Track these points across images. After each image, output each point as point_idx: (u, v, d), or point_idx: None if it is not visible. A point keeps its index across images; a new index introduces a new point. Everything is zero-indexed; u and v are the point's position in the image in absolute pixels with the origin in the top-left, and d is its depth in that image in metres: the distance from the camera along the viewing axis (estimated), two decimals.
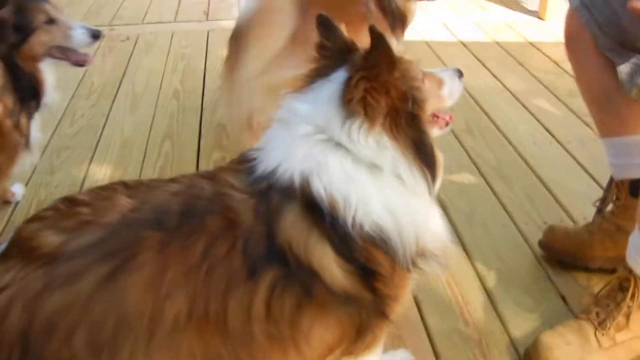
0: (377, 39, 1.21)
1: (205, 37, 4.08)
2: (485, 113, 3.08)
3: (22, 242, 1.12)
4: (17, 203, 2.48)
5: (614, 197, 2.04)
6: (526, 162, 2.67)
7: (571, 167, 2.64)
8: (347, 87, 1.25)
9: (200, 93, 3.32)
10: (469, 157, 2.70)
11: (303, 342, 1.24)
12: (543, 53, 3.82)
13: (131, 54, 3.89)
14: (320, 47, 1.38)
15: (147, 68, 3.66)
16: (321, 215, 1.21)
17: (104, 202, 1.16)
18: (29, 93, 2.14)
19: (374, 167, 1.27)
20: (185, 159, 2.72)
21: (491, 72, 3.54)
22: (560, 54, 1.99)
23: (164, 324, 1.08)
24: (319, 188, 1.22)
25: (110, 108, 3.21)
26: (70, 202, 1.19)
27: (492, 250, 2.17)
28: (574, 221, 2.30)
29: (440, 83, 1.47)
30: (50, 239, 1.09)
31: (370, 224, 1.24)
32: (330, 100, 1.28)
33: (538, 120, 3.02)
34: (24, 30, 2.04)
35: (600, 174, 2.50)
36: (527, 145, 2.79)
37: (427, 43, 3.97)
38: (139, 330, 1.07)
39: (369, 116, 1.24)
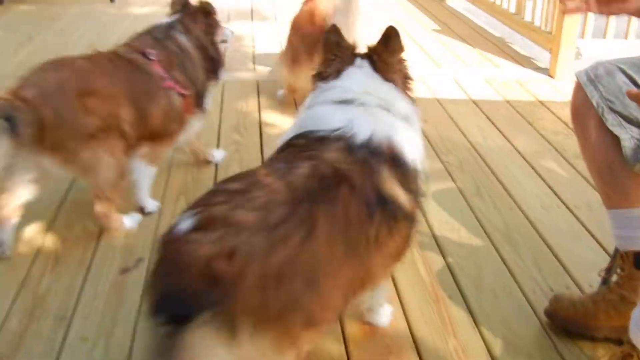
0: (394, 32, 1.89)
1: (221, 90, 4.14)
2: (495, 175, 3.13)
3: (220, 219, 1.39)
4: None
5: (619, 268, 2.08)
6: (534, 227, 2.70)
7: (578, 232, 2.68)
8: (383, 65, 1.90)
9: (215, 148, 3.37)
10: (478, 220, 2.74)
11: (387, 253, 1.75)
12: (553, 112, 3.88)
13: None
14: (337, 47, 1.95)
15: None
16: (398, 165, 1.73)
17: (260, 189, 1.50)
18: (213, 70, 2.92)
19: (407, 119, 1.85)
20: None
21: (501, 132, 3.60)
22: (570, 115, 2.05)
23: (335, 262, 1.53)
24: (397, 146, 1.74)
25: None
26: (228, 192, 1.50)
27: (498, 316, 2.19)
28: (580, 288, 2.33)
29: None
30: (247, 216, 1.40)
31: (416, 160, 1.80)
32: (370, 77, 1.88)
33: (546, 183, 3.06)
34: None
35: (607, 240, 2.53)
36: (535, 209, 2.83)
37: (438, 100, 4.03)
38: (328, 269, 1.50)
39: (402, 83, 1.93)
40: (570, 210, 2.83)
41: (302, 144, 1.74)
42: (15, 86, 2.29)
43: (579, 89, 2.06)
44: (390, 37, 1.89)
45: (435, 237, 2.63)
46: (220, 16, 5.31)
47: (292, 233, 1.43)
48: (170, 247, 1.40)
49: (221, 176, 3.07)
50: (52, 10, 6.41)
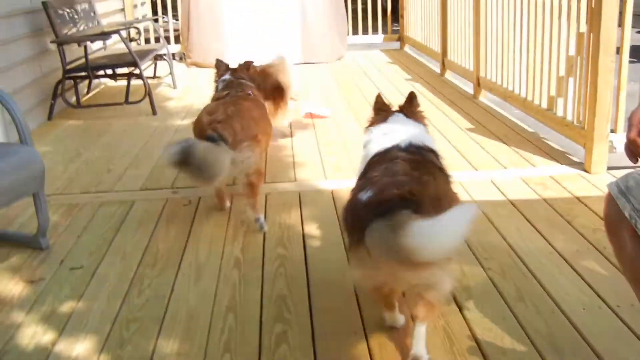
0: (414, 95, 3.18)
1: (264, 201, 4.28)
2: (536, 278, 3.17)
3: (381, 185, 2.51)
4: None
5: None
6: (577, 330, 2.73)
7: (622, 333, 2.70)
8: (410, 114, 3.12)
9: (260, 263, 3.48)
10: (521, 326, 2.78)
11: (450, 193, 2.76)
12: (590, 209, 3.93)
13: (193, 219, 4.10)
14: (382, 107, 3.22)
15: (209, 235, 3.86)
16: (432, 151, 2.90)
17: (385, 175, 2.57)
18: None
19: (424, 129, 3.10)
20: (248, 333, 2.84)
21: (540, 233, 3.65)
22: None
23: (446, 191, 2.76)
24: (427, 144, 2.92)
25: (175, 277, 3.37)
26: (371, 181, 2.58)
27: None
28: None
29: None
30: (399, 178, 2.52)
31: (437, 149, 2.98)
32: (403, 119, 3.08)
33: (587, 283, 3.09)
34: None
35: None
36: (578, 312, 2.86)
37: (476, 203, 4.10)
38: (446, 195, 2.69)
39: (421, 120, 3.16)
40: (613, 310, 2.85)
41: (379, 158, 2.77)
42: (207, 120, 3.78)
43: (611, 200, 2.13)
44: (412, 99, 3.17)
45: (479, 344, 2.67)
46: None
47: (426, 179, 2.54)
48: (376, 197, 2.38)
49: (267, 293, 3.17)
50: (98, 124, 6.68)
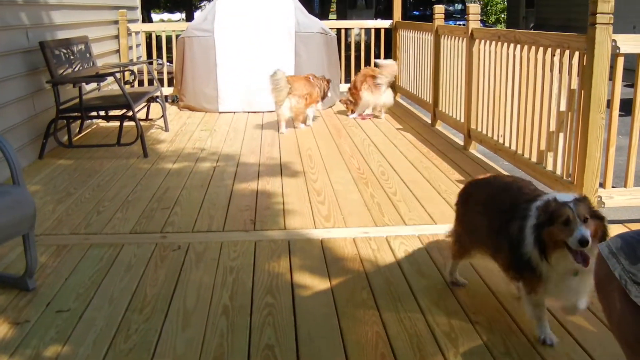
0: None
1: (253, 249, 4.29)
2: (524, 334, 3.18)
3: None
4: None
5: None
6: None
7: None
8: None
9: (249, 311, 3.46)
10: None
11: None
12: None
13: (182, 265, 4.08)
14: None
15: (197, 281, 3.84)
16: None
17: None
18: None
19: None
20: None
21: None
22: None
23: None
24: None
25: (163, 323, 3.36)
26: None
27: None
28: None
29: None
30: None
31: None
32: None
33: (575, 340, 3.11)
34: None
35: None
36: None
37: None
38: None
39: None
40: None
41: None
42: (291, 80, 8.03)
43: (601, 260, 2.15)
44: None
45: None
46: (250, 170, 5.58)
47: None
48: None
49: (255, 342, 3.15)
50: (89, 165, 6.68)
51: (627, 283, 2.05)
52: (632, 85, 4.60)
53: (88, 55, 8.34)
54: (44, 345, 3.16)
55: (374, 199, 5.38)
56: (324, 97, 9.01)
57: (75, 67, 7.73)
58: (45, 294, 3.69)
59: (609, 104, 4.52)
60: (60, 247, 4.37)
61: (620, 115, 4.69)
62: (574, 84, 4.83)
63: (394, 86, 11.21)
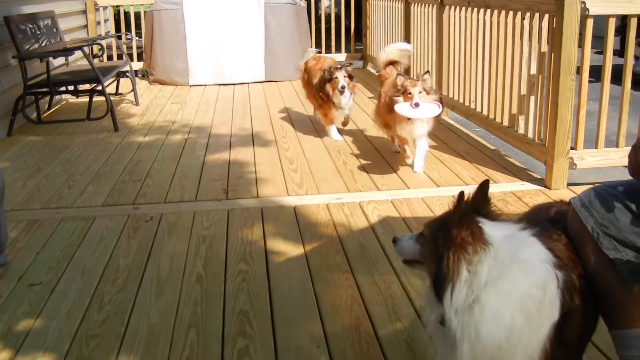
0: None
1: (226, 218, 4.27)
2: None
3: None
4: None
5: None
6: None
7: None
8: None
9: (223, 278, 3.45)
10: None
11: None
12: None
13: (155, 235, 4.06)
14: None
15: (170, 251, 3.82)
16: None
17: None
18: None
19: None
20: (210, 349, 2.82)
21: None
22: None
23: None
24: None
25: (137, 293, 3.34)
26: None
27: None
28: None
29: None
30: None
31: None
32: None
33: None
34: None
35: None
36: None
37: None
38: None
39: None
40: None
41: None
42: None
43: (574, 214, 2.16)
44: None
45: None
46: (222, 141, 5.56)
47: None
48: None
49: (229, 309, 3.14)
50: (59, 140, 6.61)
51: (600, 235, 2.05)
52: (601, 52, 4.60)
53: (55, 30, 8.21)
54: (17, 319, 3.13)
55: (347, 166, 5.38)
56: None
57: (42, 43, 7.61)
58: (16, 269, 3.65)
59: (579, 70, 4.53)
60: (31, 222, 4.32)
61: (590, 82, 4.71)
62: (544, 47, 4.83)
63: (365, 57, 11.20)
